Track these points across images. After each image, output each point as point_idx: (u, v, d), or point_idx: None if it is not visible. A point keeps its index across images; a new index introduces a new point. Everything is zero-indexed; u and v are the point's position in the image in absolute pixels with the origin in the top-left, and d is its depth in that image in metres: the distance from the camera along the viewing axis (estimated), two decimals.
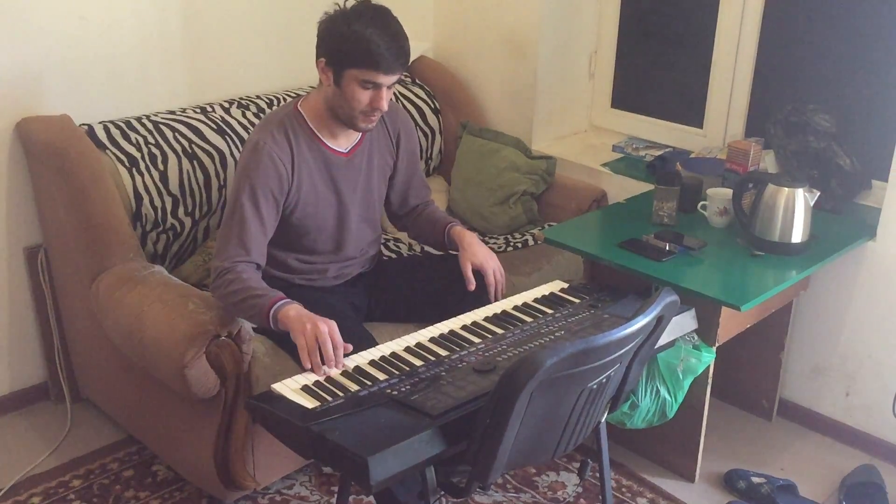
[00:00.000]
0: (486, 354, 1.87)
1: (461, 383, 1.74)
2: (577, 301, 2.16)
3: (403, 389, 1.73)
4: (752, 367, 2.82)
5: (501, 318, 2.08)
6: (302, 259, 2.31)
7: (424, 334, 2.01)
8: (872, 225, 2.53)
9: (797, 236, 2.36)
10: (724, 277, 2.29)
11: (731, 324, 2.32)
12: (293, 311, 1.96)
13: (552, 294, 2.21)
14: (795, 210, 2.34)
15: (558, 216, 3.09)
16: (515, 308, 2.14)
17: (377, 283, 2.45)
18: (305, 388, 1.78)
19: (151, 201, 2.56)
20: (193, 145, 2.66)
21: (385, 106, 2.09)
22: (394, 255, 2.80)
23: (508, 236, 3.06)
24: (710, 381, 2.37)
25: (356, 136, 2.26)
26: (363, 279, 2.44)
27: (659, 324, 1.75)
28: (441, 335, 1.99)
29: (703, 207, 2.57)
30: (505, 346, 1.91)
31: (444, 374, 1.79)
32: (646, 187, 2.93)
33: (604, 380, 1.67)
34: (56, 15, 2.54)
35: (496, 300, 2.22)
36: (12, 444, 2.64)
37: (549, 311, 2.11)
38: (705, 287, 2.19)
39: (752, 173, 2.56)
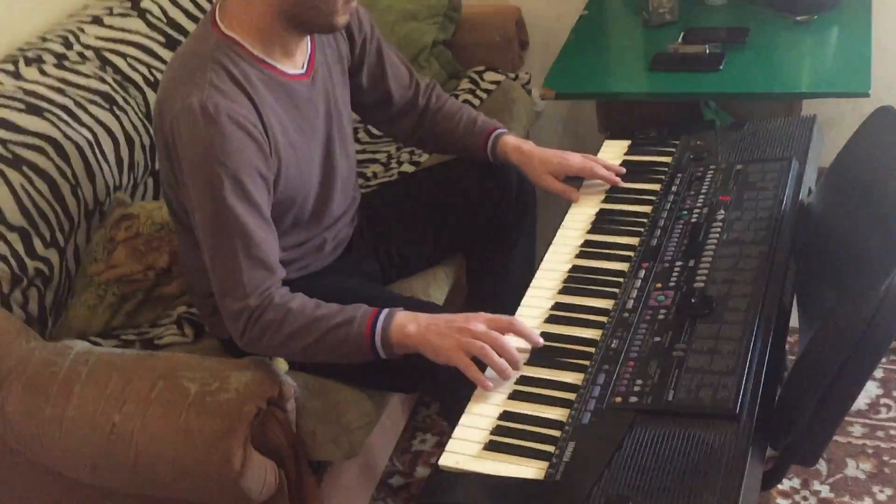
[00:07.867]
0: (669, 283, 1.34)
1: (705, 342, 1.20)
2: (669, 161, 1.63)
3: (636, 389, 1.17)
4: None
5: (607, 220, 1.54)
6: (289, 244, 1.58)
7: (543, 284, 1.43)
8: None
9: None
10: (803, 62, 1.84)
11: None
12: (411, 326, 1.32)
13: (627, 162, 1.67)
14: None
15: (479, 57, 2.46)
16: (609, 200, 1.59)
17: (377, 233, 1.78)
18: (493, 445, 1.17)
19: None
20: (10, 145, 1.73)
21: None
22: (372, 186, 2.05)
23: None
24: None
25: (307, 43, 1.51)
26: (361, 236, 1.76)
27: None
28: (580, 273, 1.42)
29: None
30: (669, 257, 1.38)
31: (660, 341, 1.23)
32: None
33: None
34: None
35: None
36: None
37: (659, 190, 1.57)
38: (803, 80, 1.73)
39: None
